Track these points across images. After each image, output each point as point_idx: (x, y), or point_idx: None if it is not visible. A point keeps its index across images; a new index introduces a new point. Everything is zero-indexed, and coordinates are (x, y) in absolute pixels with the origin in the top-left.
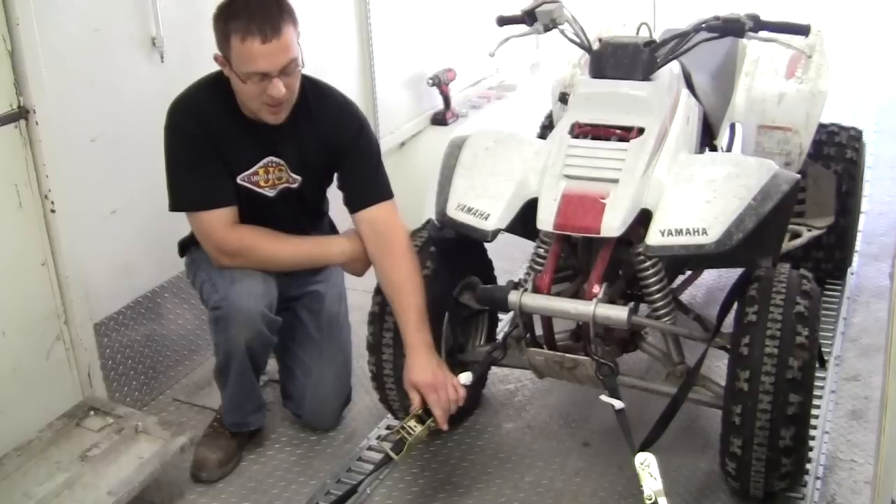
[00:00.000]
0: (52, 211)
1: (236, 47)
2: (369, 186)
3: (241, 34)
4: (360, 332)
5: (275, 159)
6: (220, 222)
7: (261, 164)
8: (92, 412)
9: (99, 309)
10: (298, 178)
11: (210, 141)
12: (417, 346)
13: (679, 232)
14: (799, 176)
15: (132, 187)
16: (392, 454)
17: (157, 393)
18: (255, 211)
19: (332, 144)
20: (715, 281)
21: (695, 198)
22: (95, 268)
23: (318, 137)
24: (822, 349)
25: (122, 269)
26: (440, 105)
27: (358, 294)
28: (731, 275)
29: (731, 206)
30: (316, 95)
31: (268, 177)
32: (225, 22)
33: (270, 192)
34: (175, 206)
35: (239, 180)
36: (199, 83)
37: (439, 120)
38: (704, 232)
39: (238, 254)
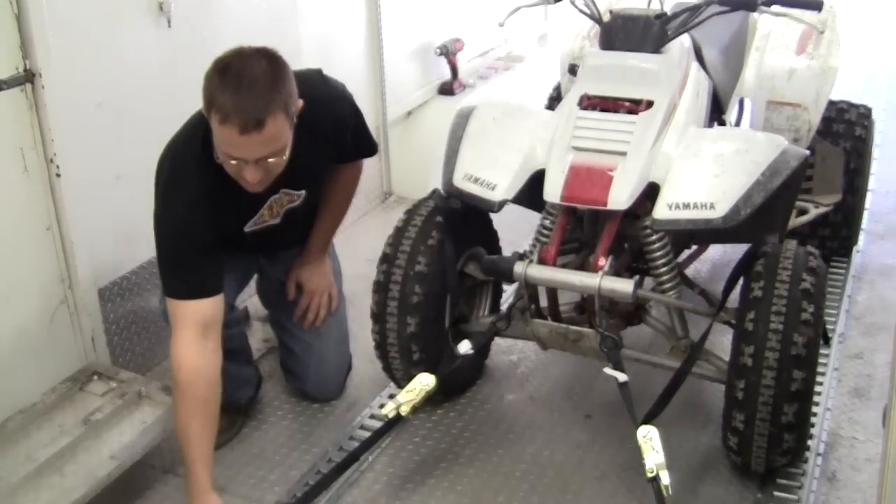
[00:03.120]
0: (58, 175)
1: (214, 124)
2: (361, 147)
3: (221, 116)
4: (364, 301)
5: (277, 196)
6: (191, 320)
7: (265, 205)
8: (95, 377)
9: (103, 274)
10: (302, 192)
11: (200, 230)
12: (317, 252)
13: (686, 206)
14: (808, 152)
15: (137, 153)
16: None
17: (160, 359)
18: (261, 238)
19: (332, 144)
20: (720, 256)
21: (703, 172)
22: (100, 233)
23: (320, 146)
24: (827, 326)
25: (127, 234)
26: (447, 75)
27: (361, 263)
28: (735, 250)
29: (739, 182)
30: (309, 105)
31: (272, 210)
32: (211, 91)
33: (276, 220)
34: (163, 289)
35: (247, 229)
36: (183, 140)
37: (446, 90)
38: (712, 206)
39: (172, 369)
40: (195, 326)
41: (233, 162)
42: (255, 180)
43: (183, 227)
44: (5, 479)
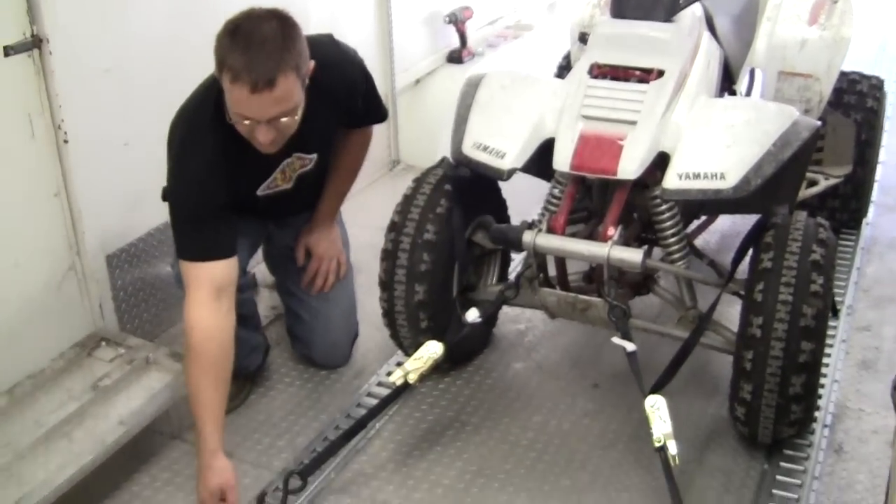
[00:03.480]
0: (65, 141)
1: (226, 83)
2: (372, 112)
3: (232, 76)
4: (371, 269)
5: (289, 160)
6: (206, 281)
7: (278, 169)
8: (103, 343)
9: (111, 241)
10: (314, 156)
11: (215, 190)
12: (324, 217)
13: (697, 176)
14: (819, 123)
15: (145, 119)
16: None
17: (167, 325)
18: (273, 203)
19: (344, 107)
20: (729, 227)
21: (714, 142)
22: (108, 200)
23: (332, 110)
24: (835, 298)
25: (135, 202)
26: (456, 43)
27: (369, 231)
28: (744, 221)
29: (750, 152)
30: (321, 68)
31: (285, 175)
32: (222, 51)
33: (288, 185)
34: (177, 251)
35: (259, 193)
36: (196, 104)
37: (455, 58)
38: (722, 177)
39: (185, 329)
40: (209, 288)
41: (245, 122)
42: (267, 140)
43: (197, 188)
44: (14, 443)
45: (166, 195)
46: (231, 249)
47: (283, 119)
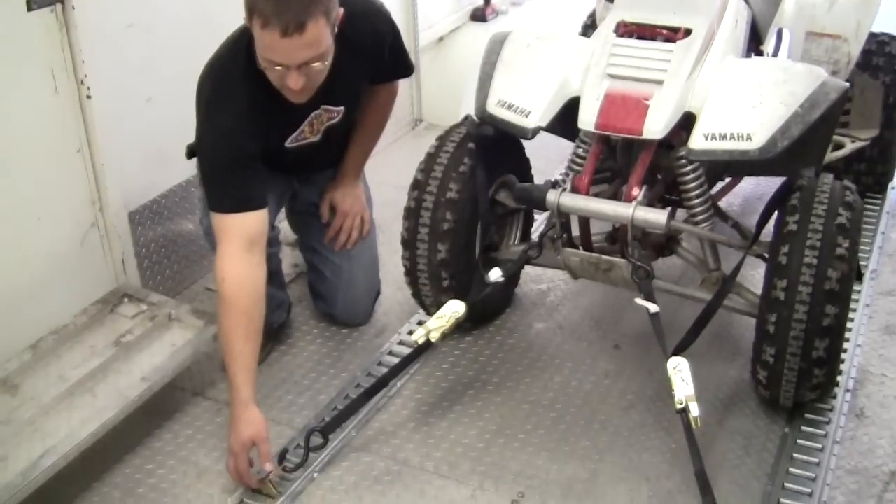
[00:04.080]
0: (88, 97)
1: (256, 30)
2: (398, 66)
3: (262, 21)
4: (393, 227)
5: (317, 112)
6: (237, 234)
7: (306, 122)
8: (126, 299)
9: (133, 197)
10: (341, 109)
11: (246, 141)
12: (349, 174)
13: (723, 136)
14: (848, 85)
15: (168, 75)
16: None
17: (189, 282)
18: (300, 157)
19: (371, 59)
20: (753, 189)
21: (740, 102)
22: (130, 156)
23: (359, 62)
24: (860, 263)
25: (157, 158)
26: (480, 1)
27: (391, 189)
28: (769, 184)
29: (777, 113)
30: (350, 18)
31: (313, 127)
32: None
33: (316, 138)
34: (209, 204)
35: (288, 145)
36: (227, 56)
37: (479, 16)
38: (749, 137)
39: (217, 280)
40: (240, 240)
41: (276, 69)
42: (297, 87)
43: (228, 139)
44: (38, 398)
45: (192, 152)
46: (262, 201)
47: (314, 65)
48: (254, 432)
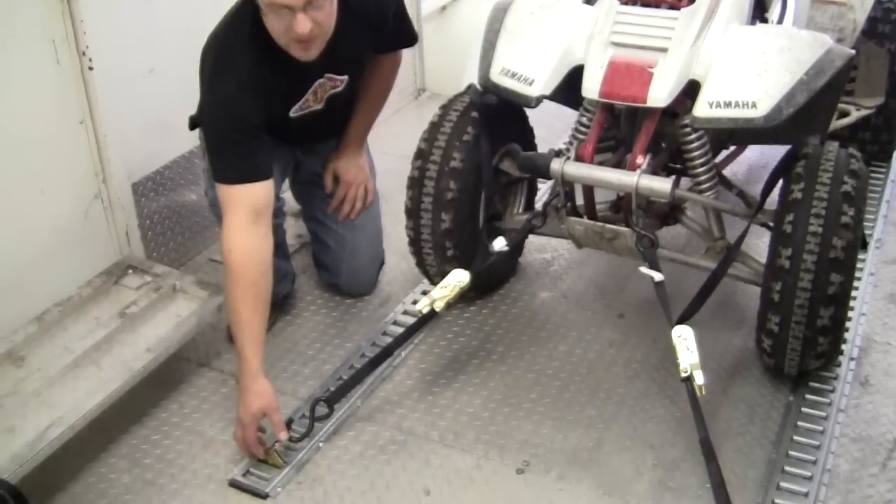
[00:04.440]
0: (90, 68)
1: None
2: (402, 36)
3: None
4: (397, 197)
5: (321, 80)
6: (243, 204)
7: (310, 90)
8: (130, 270)
9: (137, 169)
10: (345, 78)
11: (250, 111)
12: (353, 143)
13: (728, 104)
14: (853, 52)
15: (171, 46)
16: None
17: (193, 253)
18: (304, 126)
19: (375, 28)
20: (757, 158)
21: (745, 70)
22: (133, 128)
23: (363, 31)
24: (864, 231)
25: (160, 129)
26: None
27: (395, 159)
28: (773, 152)
29: (782, 80)
30: None
31: (316, 95)
32: None
33: (320, 106)
34: (213, 175)
35: (292, 114)
36: (231, 25)
37: None
38: (754, 105)
39: (223, 252)
40: (246, 211)
41: (283, 10)
42: (305, 30)
43: (231, 109)
44: (44, 370)
45: (195, 123)
46: (268, 172)
47: (319, 7)
48: (264, 403)
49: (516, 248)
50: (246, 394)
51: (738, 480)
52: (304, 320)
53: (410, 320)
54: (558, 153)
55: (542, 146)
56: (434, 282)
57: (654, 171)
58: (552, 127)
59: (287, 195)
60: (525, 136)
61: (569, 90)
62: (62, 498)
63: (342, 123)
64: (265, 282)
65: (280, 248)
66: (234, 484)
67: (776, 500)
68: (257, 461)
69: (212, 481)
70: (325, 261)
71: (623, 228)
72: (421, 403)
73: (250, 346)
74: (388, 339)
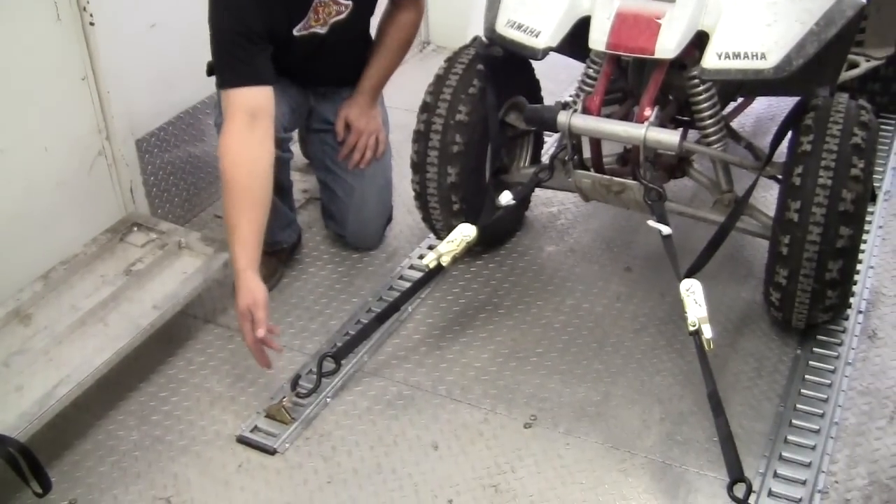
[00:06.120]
0: (91, 24)
1: None
2: None
3: None
4: (403, 151)
5: None
6: (239, 108)
7: (312, 7)
8: (135, 228)
9: (140, 125)
10: (349, 3)
11: (252, 17)
12: (366, 93)
13: (737, 55)
14: (864, 1)
15: (172, 1)
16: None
17: (198, 209)
18: (309, 54)
19: None
20: (765, 110)
21: (754, 20)
22: (136, 84)
23: None
24: (874, 183)
25: (163, 85)
26: None
27: (401, 113)
28: (782, 104)
29: (792, 31)
30: None
31: (318, 14)
32: None
33: (322, 30)
34: (217, 83)
35: (295, 33)
36: None
37: None
38: (763, 56)
39: (218, 158)
40: (242, 115)
41: None
42: None
43: (234, 13)
44: (51, 327)
45: (211, 69)
46: (267, 78)
47: None
48: (250, 300)
49: (523, 201)
50: (236, 291)
51: (746, 434)
52: (311, 276)
53: (417, 275)
54: (565, 106)
55: (549, 99)
56: (440, 236)
57: (661, 123)
58: (559, 79)
59: (295, 148)
60: (531, 88)
61: (575, 42)
62: (71, 455)
63: (351, 65)
64: (259, 186)
65: (287, 195)
66: (242, 440)
67: (784, 454)
68: (265, 417)
69: (220, 437)
70: (333, 210)
71: (630, 181)
72: (428, 358)
73: (238, 245)
74: (395, 294)
